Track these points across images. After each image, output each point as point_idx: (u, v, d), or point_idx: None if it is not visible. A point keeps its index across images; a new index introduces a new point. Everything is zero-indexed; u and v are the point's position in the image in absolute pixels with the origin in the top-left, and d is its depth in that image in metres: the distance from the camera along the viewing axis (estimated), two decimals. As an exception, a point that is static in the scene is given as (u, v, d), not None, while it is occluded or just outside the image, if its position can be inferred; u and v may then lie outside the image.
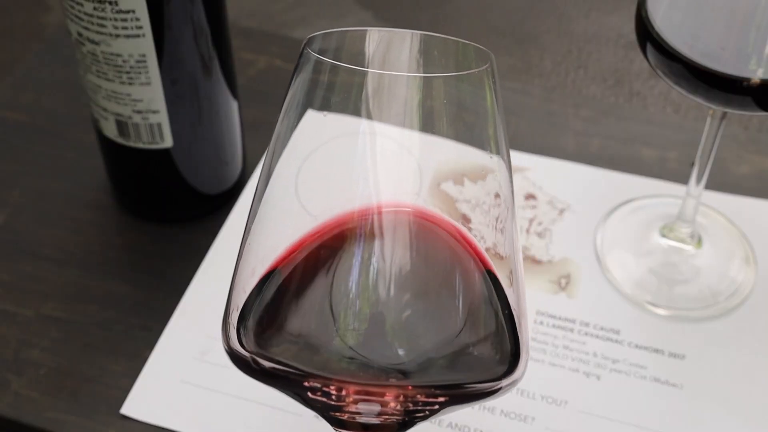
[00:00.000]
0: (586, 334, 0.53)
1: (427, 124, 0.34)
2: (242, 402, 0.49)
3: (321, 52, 0.34)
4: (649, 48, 0.47)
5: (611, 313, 0.54)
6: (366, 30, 0.36)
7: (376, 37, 0.36)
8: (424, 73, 0.35)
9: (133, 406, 0.49)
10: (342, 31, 0.36)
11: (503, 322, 0.35)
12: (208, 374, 0.51)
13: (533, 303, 0.54)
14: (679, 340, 0.53)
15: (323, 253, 0.35)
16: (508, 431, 0.49)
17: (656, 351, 0.52)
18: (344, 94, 0.34)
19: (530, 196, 0.60)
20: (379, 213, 0.34)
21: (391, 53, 0.35)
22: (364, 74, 0.34)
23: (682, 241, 0.57)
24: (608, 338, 0.53)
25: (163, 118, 0.53)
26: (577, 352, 0.52)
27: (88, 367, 0.51)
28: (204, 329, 0.52)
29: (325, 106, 0.34)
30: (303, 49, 0.35)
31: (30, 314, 0.54)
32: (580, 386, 0.51)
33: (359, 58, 0.35)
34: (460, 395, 0.34)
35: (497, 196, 0.35)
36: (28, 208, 0.60)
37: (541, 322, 0.53)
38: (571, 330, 0.53)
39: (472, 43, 0.35)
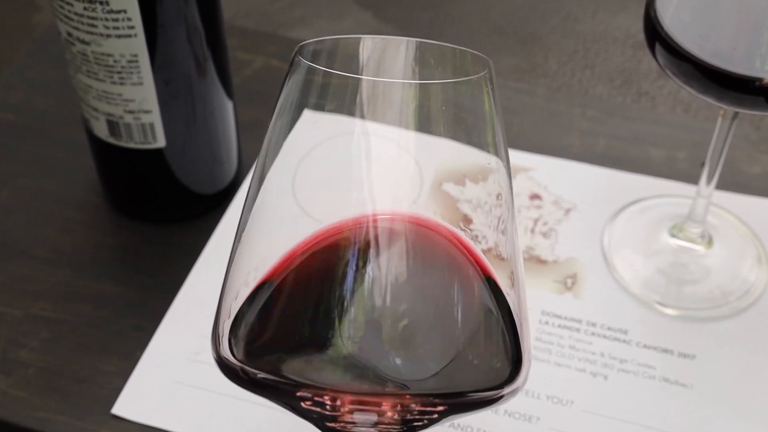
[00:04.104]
0: (593, 334, 0.54)
1: (424, 132, 0.34)
2: (237, 402, 0.50)
3: (313, 60, 0.35)
4: (658, 48, 0.48)
5: (619, 313, 0.55)
6: (360, 37, 0.36)
7: (370, 45, 0.36)
8: (420, 80, 0.36)
9: (124, 406, 0.50)
10: (335, 38, 0.36)
11: (504, 328, 0.35)
12: (202, 374, 0.51)
13: (538, 303, 0.55)
14: (688, 340, 0.54)
15: (318, 260, 0.36)
16: (511, 431, 0.49)
17: (665, 351, 0.53)
18: (337, 103, 0.34)
19: (535, 196, 0.61)
20: (375, 220, 0.34)
21: (386, 61, 0.36)
22: (359, 82, 0.35)
23: (691, 241, 0.58)
24: (616, 338, 0.54)
25: (155, 118, 0.54)
26: (583, 352, 0.53)
27: (79, 367, 0.52)
28: (197, 329, 0.53)
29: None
30: (294, 56, 0.35)
31: (18, 314, 0.55)
32: (586, 386, 0.51)
33: (353, 66, 0.36)
34: (460, 404, 0.34)
35: (499, 196, 0.36)
36: (18, 207, 0.61)
37: (547, 322, 0.54)
38: (578, 330, 0.54)
39: (469, 50, 0.36)
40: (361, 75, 0.36)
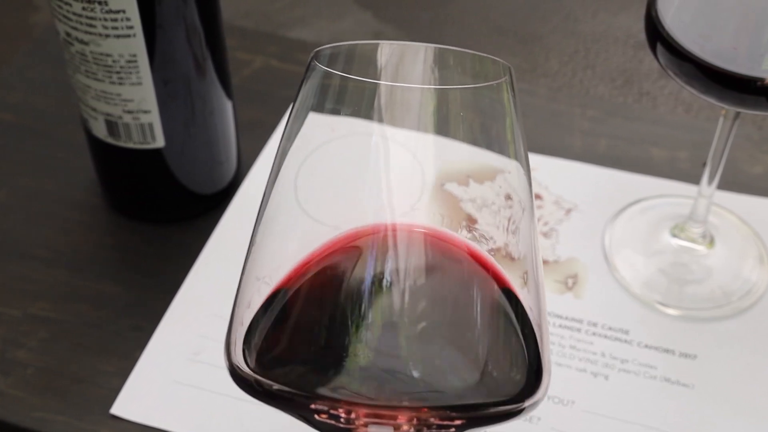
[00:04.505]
0: (594, 334, 0.54)
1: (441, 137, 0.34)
2: (236, 401, 0.50)
3: (330, 65, 0.35)
4: (660, 48, 0.48)
5: (620, 313, 0.55)
6: (377, 43, 0.36)
7: (387, 51, 0.36)
8: (439, 86, 0.36)
9: (123, 406, 0.50)
10: (352, 44, 0.36)
11: (523, 339, 0.35)
12: (201, 374, 0.51)
13: (539, 303, 0.55)
14: (690, 340, 0.54)
15: (333, 271, 0.36)
16: (512, 431, 0.50)
17: (667, 351, 0.53)
18: (353, 108, 0.34)
19: (536, 196, 0.62)
20: (393, 230, 0.35)
21: (404, 66, 0.36)
22: (376, 87, 0.35)
23: (693, 241, 0.58)
24: (617, 338, 0.54)
25: (154, 118, 0.54)
26: (584, 352, 0.53)
27: (77, 367, 0.52)
28: (196, 329, 0.53)
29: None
30: (310, 61, 0.35)
31: (17, 314, 0.55)
32: (587, 386, 0.51)
33: (370, 71, 0.35)
34: (479, 417, 0.34)
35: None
36: (16, 207, 0.61)
37: (548, 322, 0.54)
38: (578, 330, 0.54)
39: (490, 56, 0.36)
40: (379, 80, 0.35)
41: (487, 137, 0.35)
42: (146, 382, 0.51)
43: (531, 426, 0.50)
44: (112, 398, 0.51)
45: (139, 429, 0.50)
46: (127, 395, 0.51)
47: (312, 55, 0.35)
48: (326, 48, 0.36)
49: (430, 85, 0.36)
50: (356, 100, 0.34)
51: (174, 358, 0.52)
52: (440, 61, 0.36)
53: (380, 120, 0.34)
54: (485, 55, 0.36)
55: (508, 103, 0.35)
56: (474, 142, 0.35)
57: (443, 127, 0.34)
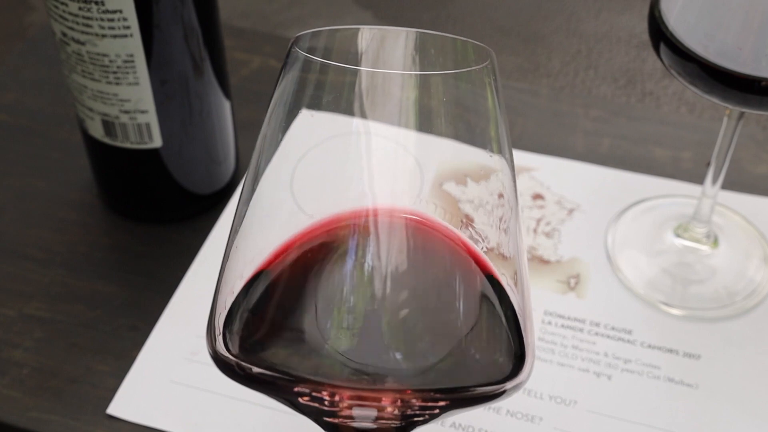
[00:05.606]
0: (597, 334, 0.54)
1: (425, 125, 0.35)
2: (234, 401, 0.51)
3: (310, 51, 0.35)
4: (663, 48, 0.48)
5: (623, 313, 0.55)
6: (358, 28, 0.36)
7: (368, 36, 0.36)
8: (420, 71, 0.36)
9: (120, 406, 0.51)
10: (332, 29, 0.36)
11: (506, 323, 0.35)
12: (199, 374, 0.52)
13: (541, 303, 0.56)
14: (694, 340, 0.54)
15: (315, 254, 0.36)
16: (514, 431, 0.50)
17: (670, 351, 0.54)
18: (335, 95, 0.35)
19: (537, 196, 0.62)
20: (374, 214, 0.35)
21: (385, 51, 0.36)
22: (357, 73, 0.35)
23: (697, 241, 0.59)
24: (620, 338, 0.54)
25: (151, 118, 0.55)
26: (586, 352, 0.53)
27: (73, 367, 0.53)
28: (194, 329, 0.54)
29: (314, 107, 0.35)
30: (290, 47, 0.35)
31: (12, 314, 0.55)
32: (590, 386, 0.52)
33: (351, 56, 0.36)
34: (462, 399, 0.34)
35: (501, 196, 0.36)
36: (11, 208, 0.62)
37: (549, 322, 0.55)
38: (581, 330, 0.55)
39: (471, 41, 0.36)
40: (359, 66, 0.36)
41: (469, 127, 0.36)
42: (143, 382, 0.52)
43: (533, 426, 0.50)
44: (108, 398, 0.51)
45: (135, 429, 0.50)
46: (124, 395, 0.51)
47: (292, 41, 0.35)
48: (306, 33, 0.36)
49: (412, 70, 0.36)
50: (337, 86, 0.35)
51: (171, 358, 0.53)
52: (422, 46, 0.36)
53: (361, 106, 0.35)
54: (466, 39, 0.36)
55: (489, 88, 0.36)
56: (455, 130, 0.35)
57: (425, 113, 0.35)
